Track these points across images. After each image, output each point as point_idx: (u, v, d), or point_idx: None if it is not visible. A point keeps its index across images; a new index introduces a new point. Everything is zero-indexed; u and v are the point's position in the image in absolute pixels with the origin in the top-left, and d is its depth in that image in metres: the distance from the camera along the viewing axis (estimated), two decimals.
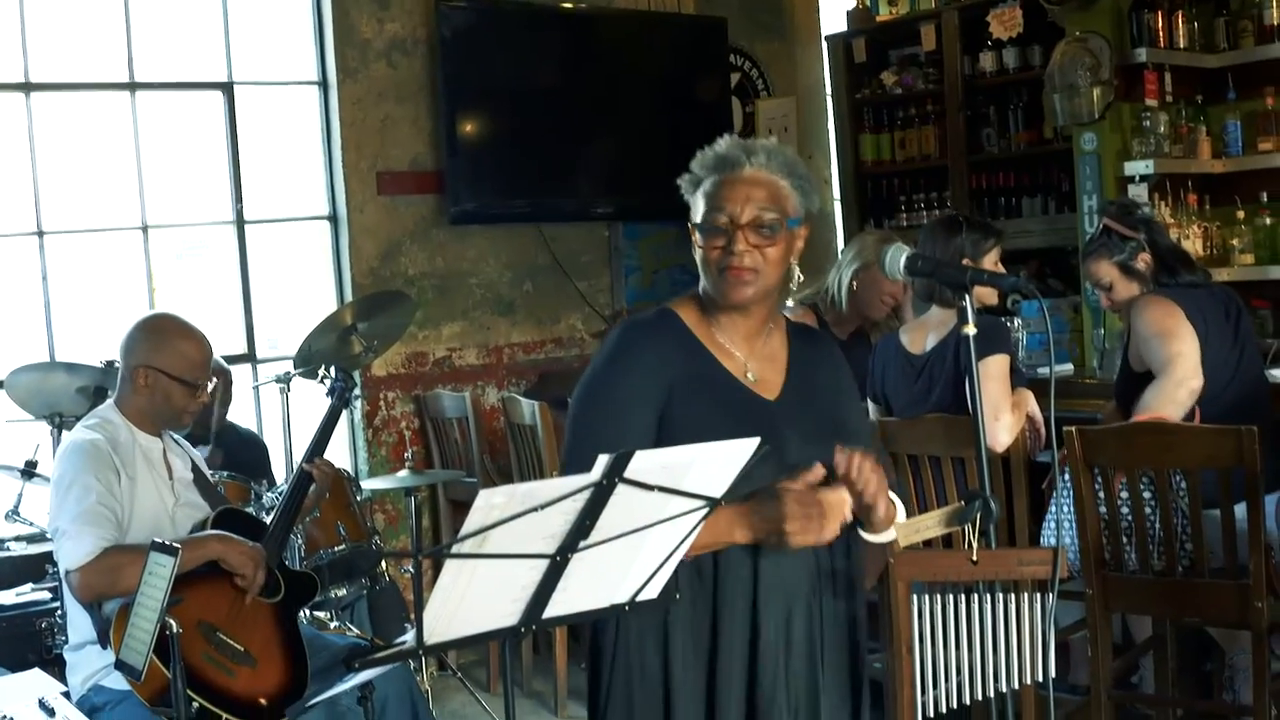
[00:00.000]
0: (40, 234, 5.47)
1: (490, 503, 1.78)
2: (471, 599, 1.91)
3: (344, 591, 4.36)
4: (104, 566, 3.28)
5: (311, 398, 5.06)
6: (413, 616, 4.95)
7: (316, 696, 3.19)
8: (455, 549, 1.80)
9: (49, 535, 4.27)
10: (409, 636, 1.91)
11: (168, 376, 3.54)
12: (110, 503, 3.39)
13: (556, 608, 1.99)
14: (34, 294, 5.48)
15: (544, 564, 1.92)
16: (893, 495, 2.39)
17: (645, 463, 1.87)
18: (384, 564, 4.50)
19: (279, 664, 3.40)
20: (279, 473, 4.90)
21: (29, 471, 4.61)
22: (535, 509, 1.80)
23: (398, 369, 6.02)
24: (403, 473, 4.96)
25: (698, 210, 2.38)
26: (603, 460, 1.84)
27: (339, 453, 5.97)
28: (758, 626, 2.34)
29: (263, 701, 3.30)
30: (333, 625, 4.26)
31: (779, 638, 2.35)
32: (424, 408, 6.00)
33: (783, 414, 2.37)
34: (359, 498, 4.42)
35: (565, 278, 6.54)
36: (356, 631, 4.40)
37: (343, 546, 4.22)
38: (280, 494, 3.98)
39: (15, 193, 5.45)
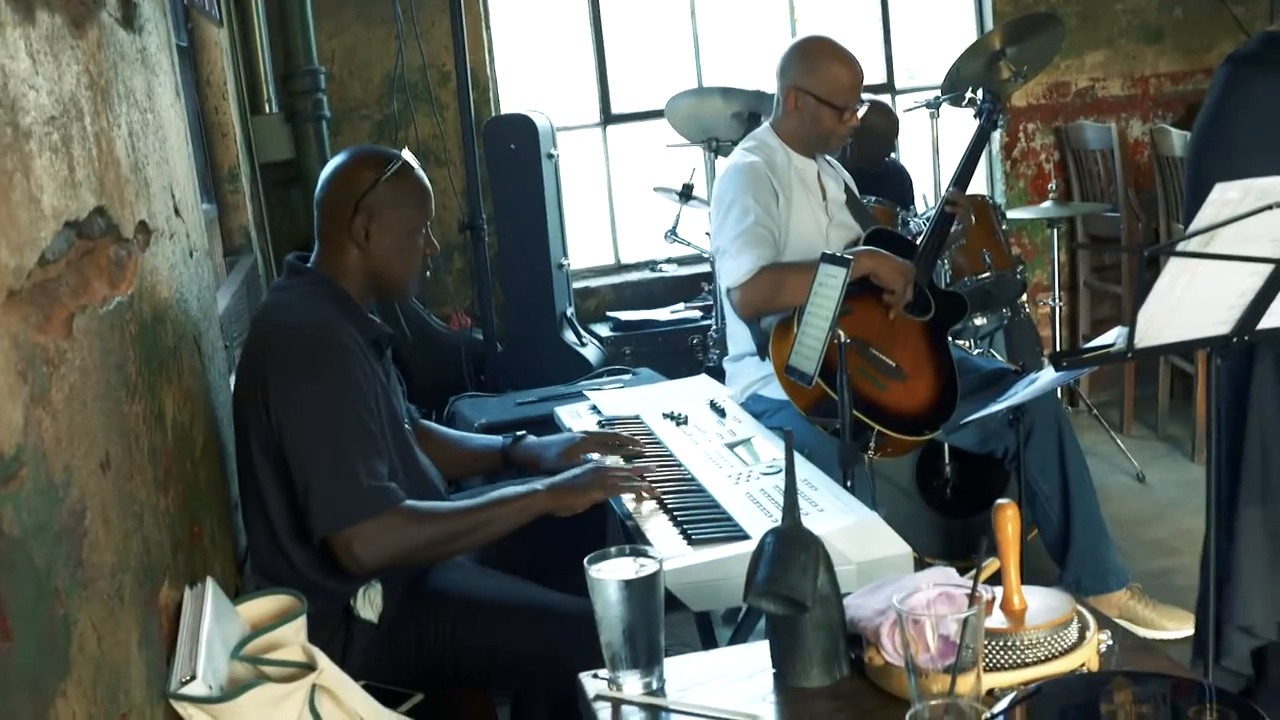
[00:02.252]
0: None
1: (1225, 197, 1.66)
2: (1187, 303, 1.81)
3: (984, 320, 4.33)
4: (762, 283, 3.41)
5: (955, 124, 4.99)
6: (1046, 351, 4.87)
7: (970, 415, 3.20)
8: (1181, 246, 1.70)
9: (709, 256, 4.52)
10: (1115, 337, 1.84)
11: (816, 98, 3.57)
12: (768, 223, 3.49)
13: (1273, 318, 1.85)
14: (684, 25, 5.71)
15: (1268, 270, 1.78)
16: None
17: None
18: (1023, 296, 4.41)
19: (929, 381, 3.43)
20: (928, 199, 4.88)
21: (686, 194, 4.84)
22: (1272, 206, 1.65)
23: (1038, 99, 5.82)
24: (1044, 204, 4.81)
25: None
26: None
27: (979, 185, 5.89)
28: None
29: (914, 415, 3.35)
30: (973, 353, 4.25)
31: None
32: (1065, 139, 5.78)
33: None
34: (1003, 227, 4.33)
35: (1219, 1, 5.99)
36: (1000, 358, 4.37)
37: (987, 275, 4.16)
38: (926, 219, 3.97)
39: None
